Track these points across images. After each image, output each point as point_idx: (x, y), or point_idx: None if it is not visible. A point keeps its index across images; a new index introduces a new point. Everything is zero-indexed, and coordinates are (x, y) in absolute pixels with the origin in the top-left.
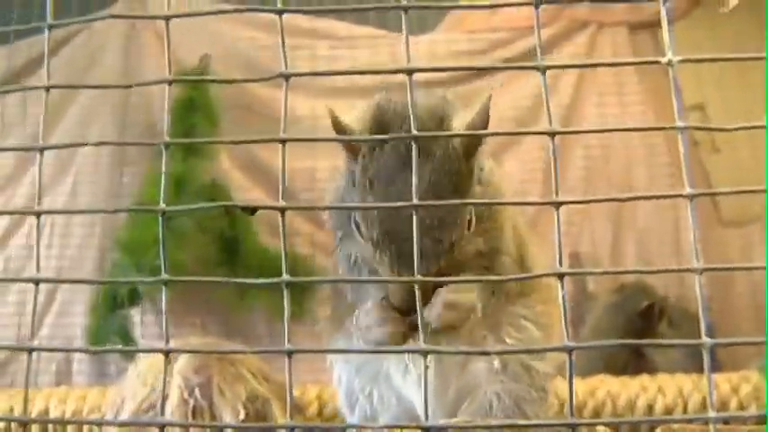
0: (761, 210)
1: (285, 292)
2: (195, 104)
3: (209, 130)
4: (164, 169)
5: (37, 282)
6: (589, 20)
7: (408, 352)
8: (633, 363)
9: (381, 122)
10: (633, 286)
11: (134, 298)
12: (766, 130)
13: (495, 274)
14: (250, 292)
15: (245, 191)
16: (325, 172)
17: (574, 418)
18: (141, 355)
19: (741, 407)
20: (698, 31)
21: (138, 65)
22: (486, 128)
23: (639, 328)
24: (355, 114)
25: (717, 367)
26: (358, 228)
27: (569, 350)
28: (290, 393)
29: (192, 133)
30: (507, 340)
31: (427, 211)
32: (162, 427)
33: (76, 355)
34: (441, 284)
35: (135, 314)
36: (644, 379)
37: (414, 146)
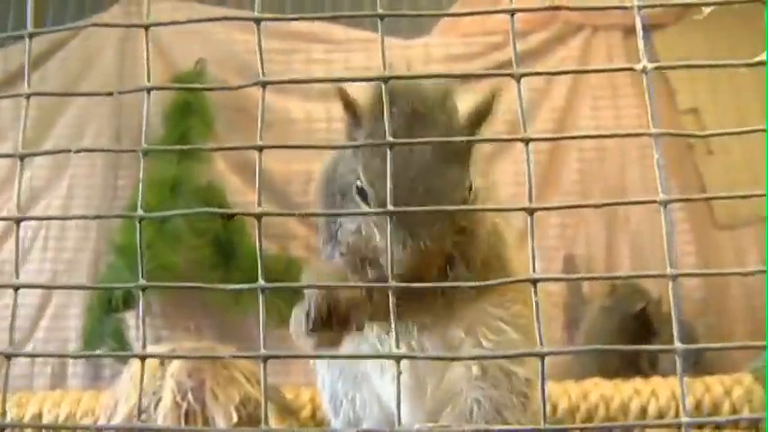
0: (754, 213)
1: (260, 298)
2: (191, 108)
3: (205, 133)
4: (141, 176)
5: (17, 288)
6: (584, 23)
7: (383, 358)
8: (624, 367)
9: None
10: (627, 288)
11: (129, 301)
12: (766, 136)
13: (471, 250)
14: (244, 296)
15: (241, 194)
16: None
17: (547, 425)
18: (135, 359)
19: (734, 409)
20: (691, 35)
21: (134, 68)
22: (489, 112)
23: (634, 331)
24: (361, 90)
25: (709, 370)
26: (361, 193)
27: (542, 356)
28: (265, 399)
29: (188, 136)
30: (484, 343)
31: (432, 179)
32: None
33: (71, 359)
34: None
35: (129, 317)
36: (637, 382)
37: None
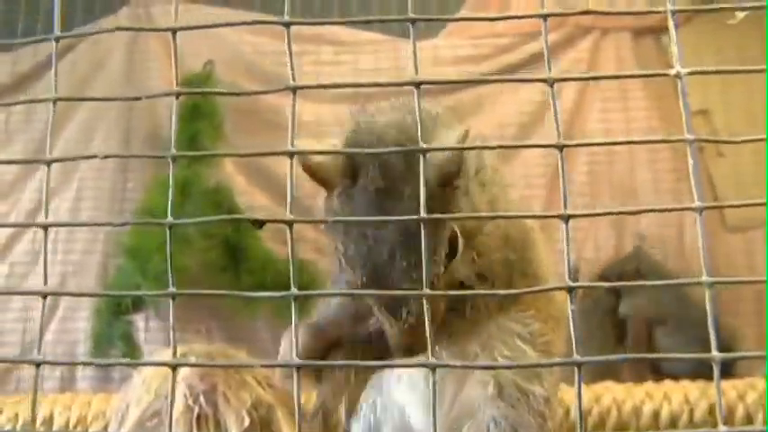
0: (764, 215)
1: (294, 306)
2: (200, 111)
3: (214, 135)
4: (171, 183)
5: (45, 295)
6: (592, 25)
7: (417, 366)
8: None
9: (353, 163)
10: (605, 291)
11: (138, 304)
12: (766, 143)
13: (491, 285)
14: (254, 299)
15: (249, 196)
16: None
17: None
18: (146, 360)
19: (748, 414)
20: (701, 36)
21: (143, 70)
22: (460, 163)
23: (611, 330)
24: (327, 148)
25: (722, 374)
26: (341, 262)
27: (578, 364)
28: (299, 408)
29: (197, 140)
30: (500, 360)
31: (402, 254)
32: None
33: (80, 359)
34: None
35: (139, 320)
36: (649, 386)
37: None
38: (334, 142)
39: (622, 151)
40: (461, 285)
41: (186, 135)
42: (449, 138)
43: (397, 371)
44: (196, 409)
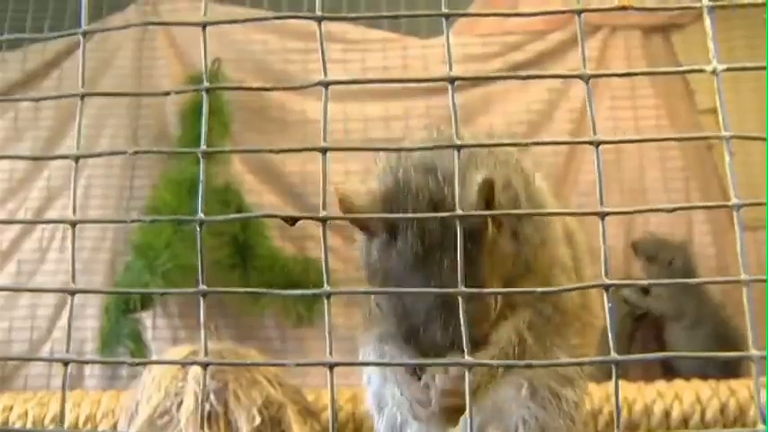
0: None
1: (326, 303)
2: (208, 108)
3: (222, 133)
4: (201, 178)
5: (73, 292)
6: (602, 23)
7: (453, 365)
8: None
9: (394, 208)
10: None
11: (146, 302)
12: (766, 143)
13: (544, 317)
14: (262, 297)
15: (257, 194)
16: (338, 176)
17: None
18: (155, 358)
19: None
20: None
21: (151, 68)
22: (491, 206)
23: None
24: (366, 193)
25: (735, 373)
26: (379, 307)
27: (616, 362)
28: (333, 407)
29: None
30: (538, 369)
31: (438, 322)
32: None
33: (88, 357)
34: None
35: (146, 318)
36: (660, 385)
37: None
38: (372, 188)
39: (631, 150)
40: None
41: (194, 133)
42: (476, 183)
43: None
44: (207, 408)
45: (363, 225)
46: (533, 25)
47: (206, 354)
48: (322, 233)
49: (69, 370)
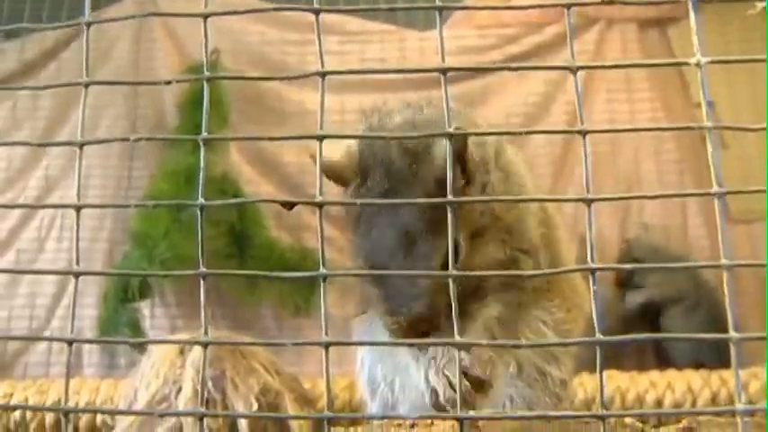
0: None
1: (323, 286)
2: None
3: (220, 124)
4: (201, 164)
5: (77, 275)
6: (598, 16)
7: (445, 344)
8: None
9: (363, 166)
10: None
11: (144, 291)
12: (767, 135)
13: (516, 285)
14: (260, 285)
15: (255, 184)
16: None
17: (605, 411)
18: (154, 346)
19: (750, 404)
20: (705, 28)
21: (148, 59)
22: (461, 173)
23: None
24: (341, 151)
25: (724, 363)
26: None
27: (600, 344)
28: (328, 385)
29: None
30: (523, 341)
31: (408, 249)
32: (201, 418)
33: (86, 348)
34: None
35: (144, 307)
36: (653, 375)
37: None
38: (350, 143)
39: (626, 143)
40: (501, 265)
41: (192, 123)
42: (442, 149)
43: (416, 356)
44: (205, 395)
45: (339, 177)
46: (530, 18)
47: (206, 333)
48: (318, 218)
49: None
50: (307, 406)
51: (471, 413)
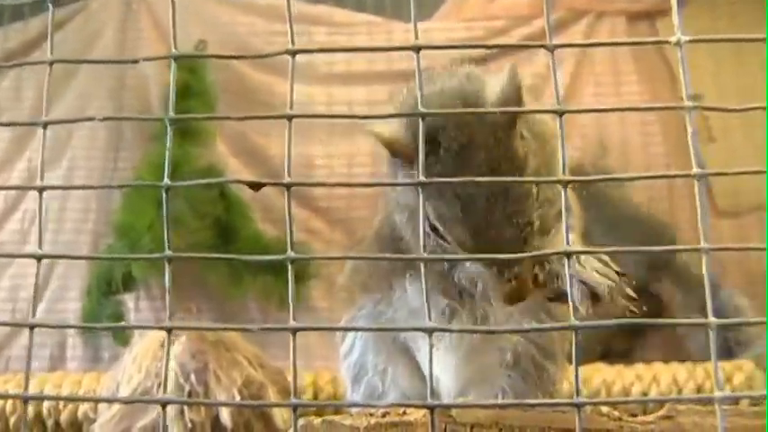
0: (755, 200)
1: (290, 269)
2: (192, 90)
3: (206, 115)
4: (168, 145)
5: (39, 258)
6: (588, 9)
7: (414, 330)
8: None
9: (429, 130)
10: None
11: (128, 283)
12: (766, 113)
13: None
14: (245, 279)
15: (241, 176)
16: (322, 158)
17: (579, 399)
18: (136, 340)
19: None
20: (696, 21)
21: (135, 49)
22: (520, 96)
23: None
24: (395, 126)
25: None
26: (436, 231)
27: (575, 329)
28: (294, 371)
29: (189, 119)
30: (525, 326)
31: (500, 204)
32: (164, 406)
33: (70, 341)
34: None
35: (129, 300)
36: (639, 368)
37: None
38: (392, 125)
39: (615, 136)
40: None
41: (177, 112)
42: (499, 80)
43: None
44: (187, 388)
45: (403, 152)
46: (518, 10)
47: (170, 318)
48: (287, 199)
49: (51, 352)
50: (290, 398)
51: (444, 401)
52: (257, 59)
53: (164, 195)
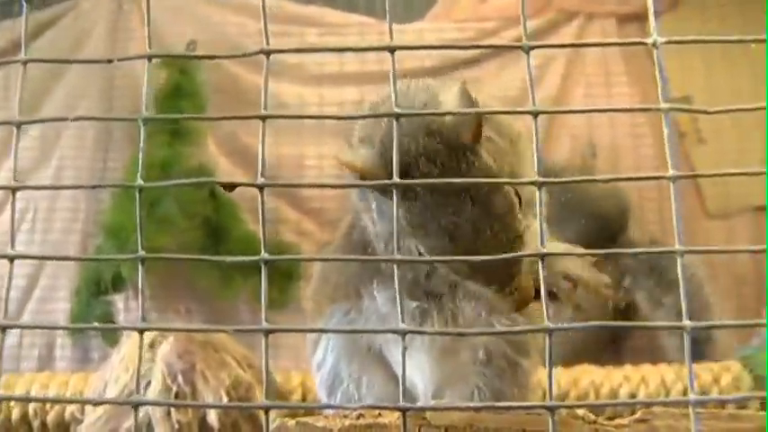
0: (745, 202)
1: (263, 270)
2: (182, 91)
3: (176, 115)
4: (141, 145)
5: (12, 258)
6: (578, 11)
7: (386, 332)
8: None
9: (402, 168)
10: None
11: (118, 284)
12: (766, 111)
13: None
14: (234, 280)
15: (231, 177)
16: (313, 159)
17: (553, 402)
18: (124, 340)
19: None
20: (684, 24)
21: (126, 49)
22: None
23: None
24: (367, 154)
25: (699, 356)
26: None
27: (549, 331)
28: (267, 372)
29: (180, 120)
30: (497, 326)
31: (485, 225)
32: (135, 406)
33: (59, 342)
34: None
35: (119, 301)
36: (627, 369)
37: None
38: (366, 151)
39: (605, 139)
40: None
41: (168, 113)
42: (451, 96)
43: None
44: (174, 388)
45: (383, 188)
46: (509, 12)
47: (143, 319)
48: (260, 200)
49: (39, 352)
50: (279, 400)
51: (419, 404)
52: (248, 60)
53: (137, 196)
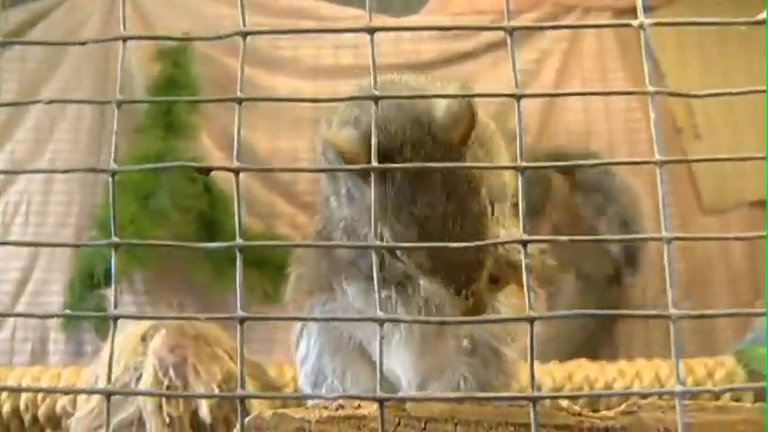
0: (740, 197)
1: (238, 257)
2: (176, 83)
3: (190, 108)
4: (114, 128)
5: None
6: (574, 5)
7: (364, 320)
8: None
9: (384, 152)
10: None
11: (111, 277)
12: (767, 97)
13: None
14: (227, 274)
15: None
16: (307, 152)
17: (534, 393)
18: (117, 333)
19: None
20: (683, 18)
21: (118, 42)
22: (473, 120)
23: (609, 294)
24: (352, 135)
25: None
26: (393, 253)
27: (531, 320)
28: (241, 361)
29: (173, 112)
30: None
31: (456, 225)
32: (108, 396)
33: (52, 336)
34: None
35: (111, 294)
36: (621, 364)
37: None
38: (351, 131)
39: (601, 131)
40: None
41: (162, 106)
42: (449, 91)
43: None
44: (166, 382)
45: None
46: (504, 5)
47: (116, 307)
48: (235, 184)
49: (33, 346)
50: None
51: (400, 394)
52: (248, 54)
53: (110, 182)
